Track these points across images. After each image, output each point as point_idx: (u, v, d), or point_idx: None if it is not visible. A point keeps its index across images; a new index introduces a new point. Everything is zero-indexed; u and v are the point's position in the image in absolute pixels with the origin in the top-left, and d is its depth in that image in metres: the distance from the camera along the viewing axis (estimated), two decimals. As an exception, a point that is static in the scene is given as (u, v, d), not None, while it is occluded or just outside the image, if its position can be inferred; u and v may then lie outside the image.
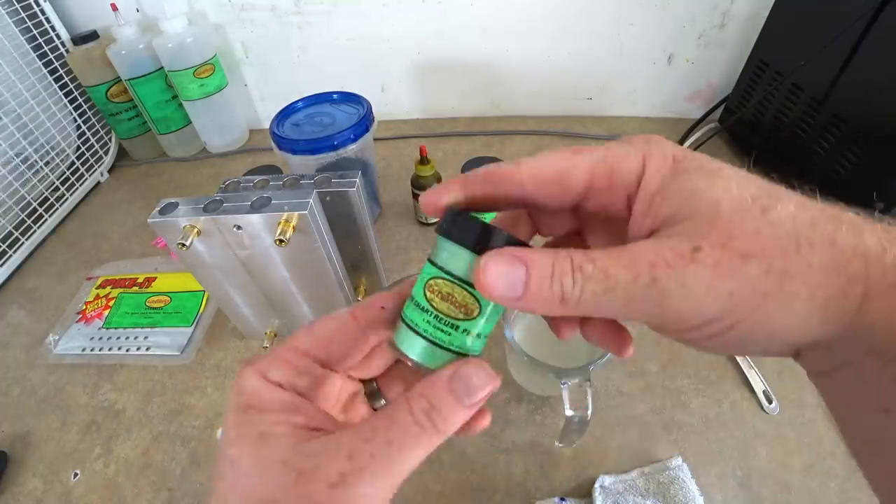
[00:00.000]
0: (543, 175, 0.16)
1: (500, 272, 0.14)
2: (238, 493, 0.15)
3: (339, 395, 0.19)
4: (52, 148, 0.71)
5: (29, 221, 0.66)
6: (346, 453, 0.14)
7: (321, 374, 0.17)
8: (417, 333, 0.17)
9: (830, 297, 0.13)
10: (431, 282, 0.17)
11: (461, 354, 0.17)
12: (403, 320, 0.18)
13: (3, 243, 0.62)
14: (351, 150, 0.53)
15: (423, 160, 0.57)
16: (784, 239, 0.13)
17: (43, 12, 0.69)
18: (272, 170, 0.63)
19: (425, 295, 0.17)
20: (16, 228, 0.64)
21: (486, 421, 0.17)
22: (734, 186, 0.14)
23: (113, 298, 0.57)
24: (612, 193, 0.16)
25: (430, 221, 0.63)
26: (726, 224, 0.13)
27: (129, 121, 0.79)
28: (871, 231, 0.13)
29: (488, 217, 0.20)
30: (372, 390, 0.21)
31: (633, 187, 0.16)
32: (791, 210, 0.14)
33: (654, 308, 0.14)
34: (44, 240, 0.68)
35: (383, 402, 0.21)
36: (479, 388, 0.15)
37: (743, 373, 0.44)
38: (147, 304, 0.56)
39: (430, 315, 0.17)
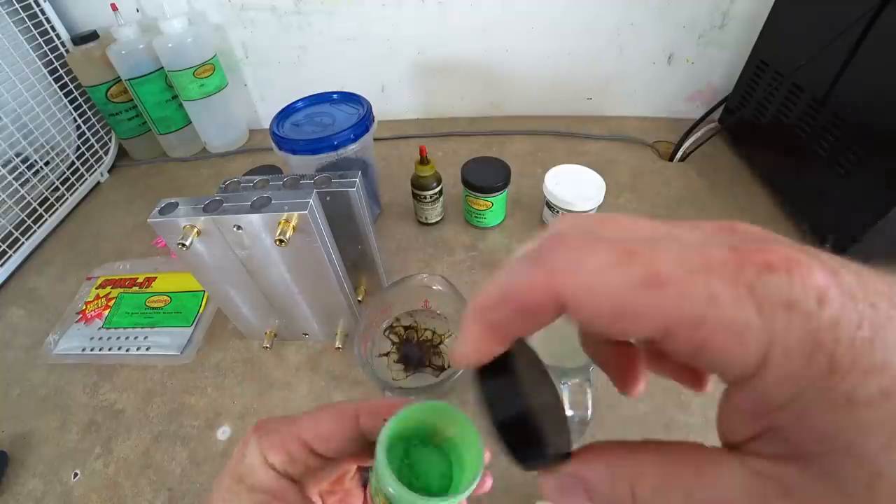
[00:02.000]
0: (595, 304, 0.11)
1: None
2: None
3: (329, 477, 0.20)
4: (52, 148, 0.71)
5: (29, 221, 0.66)
6: None
7: (315, 464, 0.18)
8: None
9: None
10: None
11: None
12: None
13: (3, 243, 0.62)
14: (351, 150, 0.53)
15: (423, 160, 0.57)
16: None
17: (43, 12, 0.69)
18: (272, 170, 0.63)
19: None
20: (16, 228, 0.64)
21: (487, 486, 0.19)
22: None
23: (113, 298, 0.57)
24: (696, 360, 0.10)
25: (430, 221, 0.63)
26: None
27: (129, 121, 0.79)
28: None
29: None
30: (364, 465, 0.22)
31: (738, 378, 0.10)
32: None
33: None
34: (44, 240, 0.68)
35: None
36: None
37: (743, 373, 0.44)
38: (147, 304, 0.56)
39: None
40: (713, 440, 0.11)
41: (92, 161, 0.78)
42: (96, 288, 0.59)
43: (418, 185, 0.59)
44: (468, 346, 0.13)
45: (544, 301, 0.11)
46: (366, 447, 0.19)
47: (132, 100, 0.77)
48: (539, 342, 0.42)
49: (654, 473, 0.11)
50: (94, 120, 0.78)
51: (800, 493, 0.09)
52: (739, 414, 0.11)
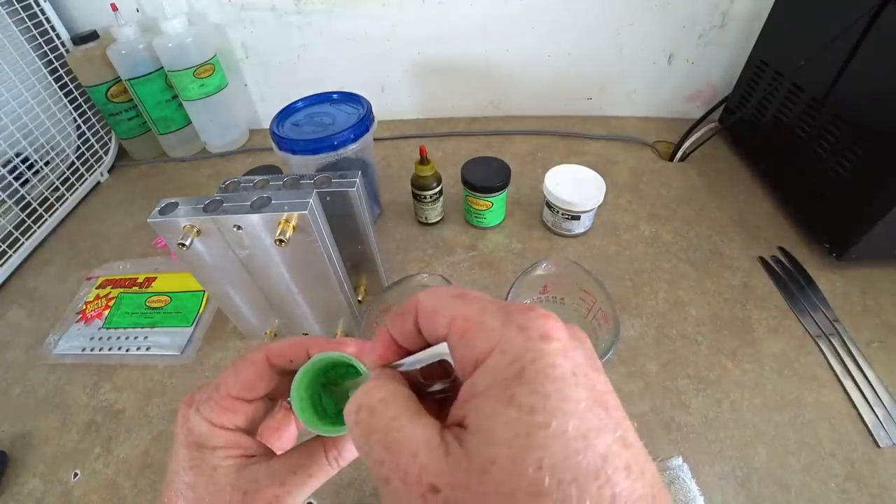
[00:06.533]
0: (424, 311, 0.17)
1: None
2: None
3: (264, 413, 0.24)
4: (52, 148, 0.71)
5: (29, 221, 0.66)
6: (280, 481, 0.20)
7: (249, 409, 0.22)
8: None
9: None
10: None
11: None
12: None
13: (3, 243, 0.62)
14: (351, 150, 0.53)
15: (423, 160, 0.57)
16: None
17: (43, 12, 0.69)
18: (272, 170, 0.63)
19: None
20: (16, 228, 0.64)
21: None
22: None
23: (113, 298, 0.57)
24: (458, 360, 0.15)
25: (430, 221, 0.63)
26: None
27: (129, 121, 0.79)
28: None
29: None
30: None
31: (469, 368, 0.14)
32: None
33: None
34: (44, 240, 0.68)
35: None
36: None
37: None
38: (147, 304, 0.56)
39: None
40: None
41: (92, 161, 0.78)
42: (96, 288, 0.59)
43: (418, 185, 0.59)
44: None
45: (410, 308, 0.17)
46: (283, 380, 0.22)
47: (132, 100, 0.77)
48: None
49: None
50: (94, 120, 0.78)
51: (453, 450, 0.13)
52: (458, 404, 0.14)
